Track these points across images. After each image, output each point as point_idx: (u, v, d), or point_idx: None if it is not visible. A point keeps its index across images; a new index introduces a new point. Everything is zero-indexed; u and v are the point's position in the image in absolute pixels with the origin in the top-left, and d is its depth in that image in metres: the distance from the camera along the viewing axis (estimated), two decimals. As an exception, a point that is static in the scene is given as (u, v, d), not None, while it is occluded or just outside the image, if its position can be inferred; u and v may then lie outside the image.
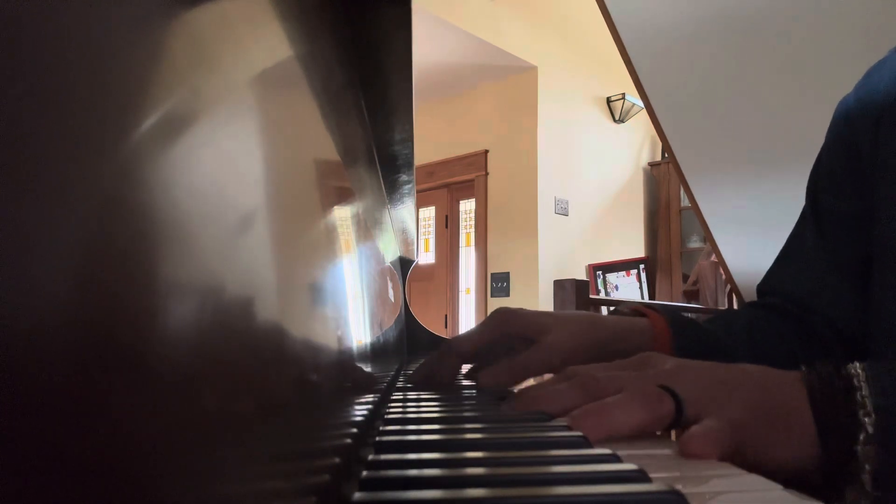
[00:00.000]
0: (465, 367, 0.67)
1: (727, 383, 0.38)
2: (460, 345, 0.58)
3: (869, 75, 0.61)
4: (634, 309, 0.61)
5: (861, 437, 0.35)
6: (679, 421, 0.36)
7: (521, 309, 0.58)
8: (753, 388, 0.37)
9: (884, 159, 0.55)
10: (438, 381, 0.59)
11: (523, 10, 4.15)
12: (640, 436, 0.36)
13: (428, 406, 0.49)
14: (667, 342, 0.56)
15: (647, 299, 4.82)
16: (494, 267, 4.36)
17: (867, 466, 0.34)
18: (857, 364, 0.37)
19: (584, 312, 0.63)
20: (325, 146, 0.34)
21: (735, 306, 3.38)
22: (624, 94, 4.67)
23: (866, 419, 0.35)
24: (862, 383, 0.36)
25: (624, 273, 4.84)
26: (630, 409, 0.36)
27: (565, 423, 0.35)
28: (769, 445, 0.35)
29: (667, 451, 0.33)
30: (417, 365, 0.66)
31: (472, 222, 4.59)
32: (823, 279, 0.61)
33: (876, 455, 0.34)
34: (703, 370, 0.39)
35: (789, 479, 0.33)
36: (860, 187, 0.58)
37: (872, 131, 0.57)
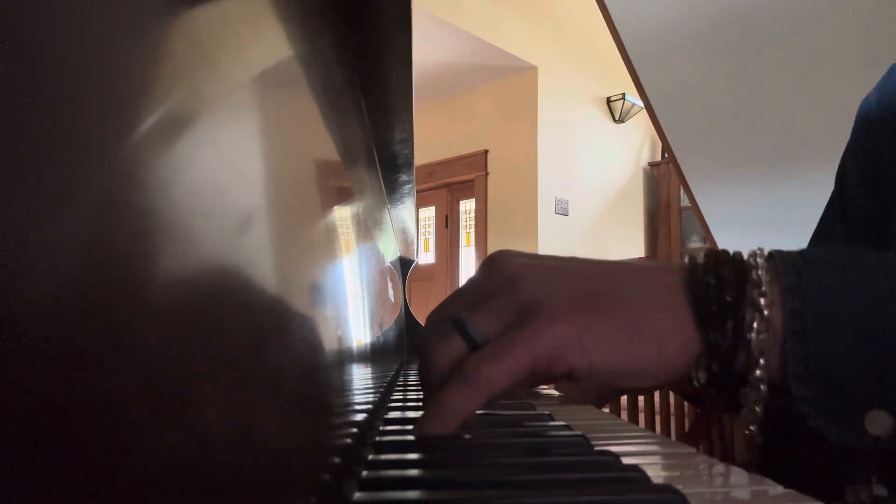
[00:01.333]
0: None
1: (552, 276, 0.30)
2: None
3: (890, 72, 0.60)
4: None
5: (755, 324, 0.28)
6: (472, 341, 0.29)
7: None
8: (595, 276, 0.30)
9: None
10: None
11: (523, 10, 4.14)
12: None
13: (428, 406, 0.49)
14: None
15: (647, 299, 4.81)
16: (494, 267, 4.36)
17: (762, 360, 0.28)
18: (757, 248, 0.30)
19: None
20: (325, 146, 0.34)
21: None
22: (624, 94, 4.66)
23: (761, 300, 0.28)
24: (759, 263, 0.29)
25: (624, 273, 4.84)
26: (430, 367, 0.30)
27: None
28: (623, 344, 0.28)
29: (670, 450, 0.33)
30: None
31: (472, 222, 4.59)
32: None
33: (785, 344, 0.27)
34: (555, 267, 0.31)
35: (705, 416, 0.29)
36: (883, 190, 0.58)
37: (892, 131, 0.57)
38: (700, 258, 0.30)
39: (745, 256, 0.30)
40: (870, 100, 0.62)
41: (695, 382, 0.29)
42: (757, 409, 0.28)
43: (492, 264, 0.32)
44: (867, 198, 0.60)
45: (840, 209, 0.63)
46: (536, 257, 0.32)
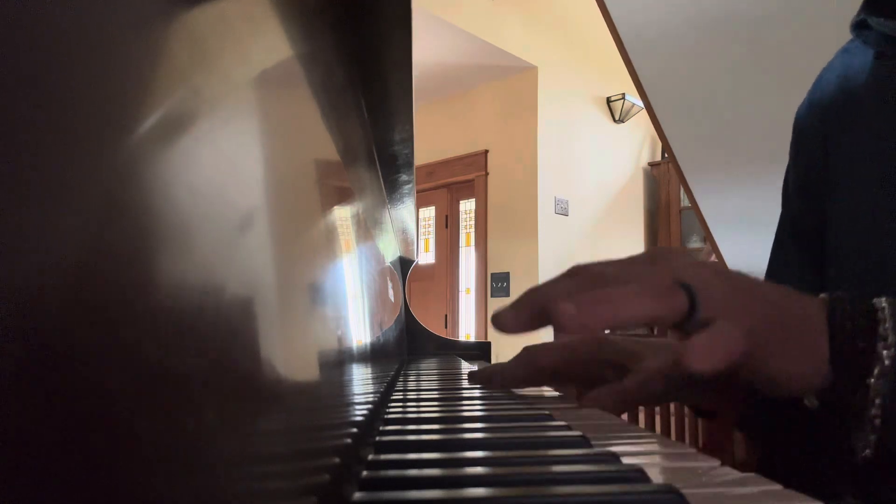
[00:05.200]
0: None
1: (746, 290, 0.36)
2: (542, 355, 0.54)
3: (818, 80, 0.59)
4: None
5: (876, 370, 0.33)
6: (690, 320, 0.33)
7: (612, 335, 0.54)
8: (771, 299, 0.36)
9: (833, 167, 0.54)
10: (509, 385, 0.56)
11: (523, 10, 4.14)
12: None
13: (428, 406, 0.49)
14: None
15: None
16: (494, 267, 4.36)
17: (877, 400, 0.33)
18: (884, 298, 0.35)
19: (715, 263, 0.61)
20: (325, 146, 0.34)
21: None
22: (624, 94, 4.66)
23: (885, 352, 0.34)
24: (886, 316, 0.34)
25: (624, 273, 4.84)
26: (638, 298, 0.32)
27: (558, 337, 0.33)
28: (777, 358, 0.34)
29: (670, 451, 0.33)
30: (422, 362, 0.64)
31: (472, 222, 4.59)
32: None
33: (889, 390, 0.33)
34: (722, 273, 0.37)
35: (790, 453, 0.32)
36: (818, 200, 0.56)
37: (822, 140, 0.56)
38: (839, 303, 0.35)
39: (875, 305, 0.35)
40: (802, 107, 0.61)
41: (805, 402, 0.35)
42: (871, 437, 0.34)
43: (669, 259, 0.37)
44: (806, 210, 0.58)
45: (789, 223, 0.62)
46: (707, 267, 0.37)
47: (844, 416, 0.35)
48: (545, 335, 0.39)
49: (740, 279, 0.36)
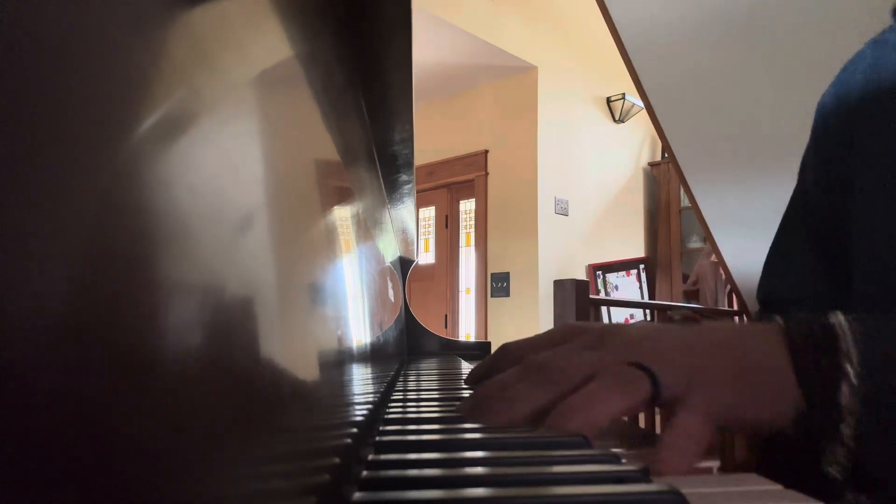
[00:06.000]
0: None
1: (702, 352, 0.35)
2: (520, 353, 0.54)
3: (845, 69, 0.59)
4: (685, 316, 0.58)
5: (844, 388, 0.33)
6: (657, 401, 0.33)
7: (590, 323, 0.54)
8: (729, 348, 0.35)
9: (860, 159, 0.53)
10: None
11: (523, 10, 4.14)
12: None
13: (428, 406, 0.49)
14: None
15: (647, 299, 4.82)
16: (494, 267, 4.36)
17: (850, 419, 0.32)
18: (840, 314, 0.35)
19: (652, 325, 0.61)
20: (325, 146, 0.34)
21: (735, 307, 3.38)
22: (624, 94, 4.66)
23: (849, 368, 0.33)
24: (845, 331, 0.34)
25: (624, 273, 4.84)
26: (610, 396, 0.32)
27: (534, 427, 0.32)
28: (748, 405, 0.34)
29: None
30: (422, 362, 0.64)
31: (472, 222, 4.59)
32: (815, 289, 0.57)
33: (859, 408, 0.32)
34: (670, 338, 0.36)
35: (783, 467, 0.32)
36: (835, 183, 0.56)
37: (846, 138, 0.55)
38: (797, 328, 0.35)
39: (832, 322, 0.35)
40: (826, 97, 0.61)
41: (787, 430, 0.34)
42: (845, 458, 0.33)
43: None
44: (823, 194, 0.58)
45: (802, 208, 0.61)
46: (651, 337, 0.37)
47: (820, 440, 0.34)
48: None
49: (691, 338, 0.36)
